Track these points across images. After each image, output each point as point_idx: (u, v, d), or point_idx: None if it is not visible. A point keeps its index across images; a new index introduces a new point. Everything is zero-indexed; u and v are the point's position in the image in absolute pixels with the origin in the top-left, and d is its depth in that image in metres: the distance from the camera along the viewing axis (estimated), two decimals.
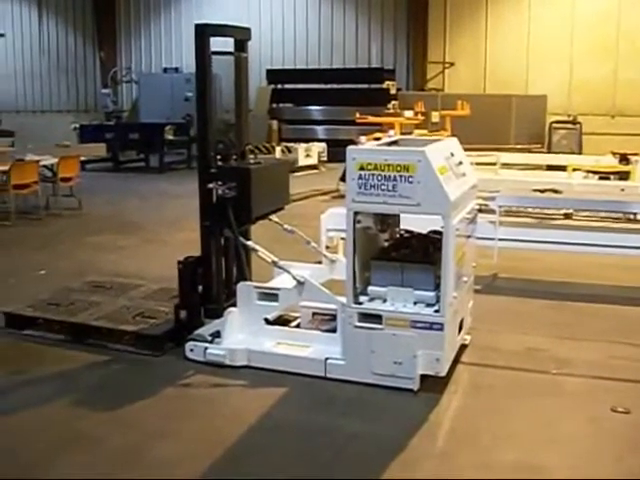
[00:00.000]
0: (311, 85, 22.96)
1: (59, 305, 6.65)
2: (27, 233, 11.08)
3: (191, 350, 5.72)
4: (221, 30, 6.30)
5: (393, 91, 21.56)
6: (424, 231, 5.62)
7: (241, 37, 6.35)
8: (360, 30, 23.73)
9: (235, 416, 4.85)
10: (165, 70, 25.46)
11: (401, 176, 4.92)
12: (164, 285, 7.18)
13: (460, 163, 5.44)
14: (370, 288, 5.33)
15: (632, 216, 10.53)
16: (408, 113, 16.59)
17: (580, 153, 18.63)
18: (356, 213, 5.16)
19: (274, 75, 23.37)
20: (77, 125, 20.89)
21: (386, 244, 5.78)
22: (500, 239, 7.83)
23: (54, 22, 27.87)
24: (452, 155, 5.39)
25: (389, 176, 4.94)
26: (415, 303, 5.17)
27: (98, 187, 15.43)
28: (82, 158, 14.64)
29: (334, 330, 5.62)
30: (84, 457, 4.28)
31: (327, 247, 7.90)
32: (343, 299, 5.38)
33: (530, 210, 10.88)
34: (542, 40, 21.79)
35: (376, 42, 23.85)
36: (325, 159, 19.20)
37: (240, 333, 5.77)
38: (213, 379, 5.41)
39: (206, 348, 5.65)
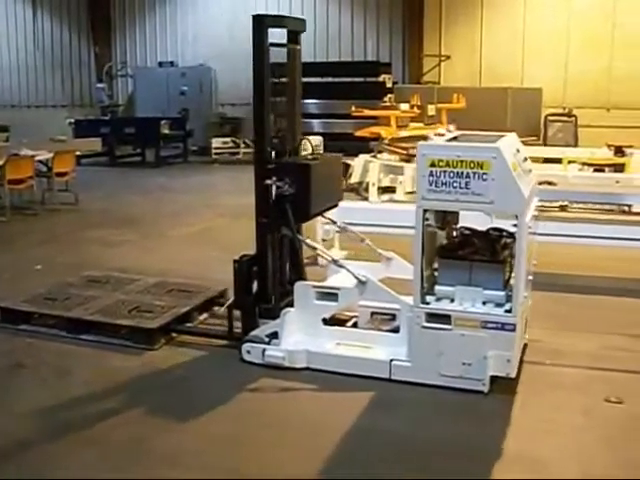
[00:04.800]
0: (307, 79, 22.91)
1: (55, 300, 6.66)
2: (23, 228, 11.08)
3: (248, 352, 5.57)
4: (278, 21, 6.05)
5: (389, 84, 21.52)
6: (483, 229, 5.48)
7: (296, 28, 6.12)
8: (356, 24, 23.67)
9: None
10: (160, 64, 25.39)
11: (474, 173, 4.77)
12: (161, 279, 7.20)
13: (525, 159, 5.29)
14: (437, 288, 5.20)
15: (627, 208, 10.56)
16: (404, 106, 16.56)
17: (575, 145, 18.64)
18: (425, 211, 5.02)
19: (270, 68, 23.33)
20: (72, 120, 20.86)
21: (445, 242, 5.56)
22: None
23: (48, 17, 27.75)
24: (518, 151, 5.26)
25: (462, 173, 4.80)
26: (484, 303, 5.06)
27: (94, 182, 15.43)
28: (78, 153, 14.62)
29: (396, 330, 5.53)
30: None
31: (323, 240, 7.91)
32: (406, 298, 5.29)
33: None
34: (537, 33, 21.77)
35: (372, 35, 23.81)
36: (321, 152, 19.19)
37: (298, 334, 5.60)
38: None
39: (264, 350, 5.51)
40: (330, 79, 22.68)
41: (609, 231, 7.70)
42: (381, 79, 21.66)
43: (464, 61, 22.84)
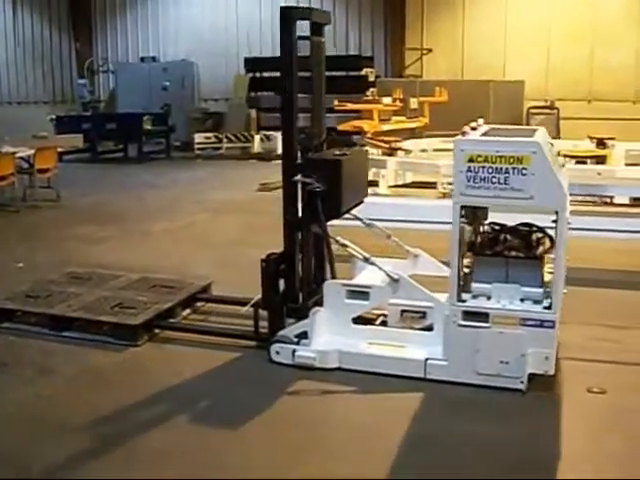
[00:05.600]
0: None
1: (37, 297, 6.62)
2: (4, 225, 11.03)
3: (277, 353, 5.45)
4: (306, 13, 5.89)
5: (371, 78, 21.53)
6: (512, 224, 5.42)
7: (320, 21, 5.97)
8: (338, 18, 23.61)
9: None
10: (142, 59, 25.29)
11: (514, 168, 4.70)
12: (144, 275, 7.18)
13: (558, 154, 5.21)
14: (474, 285, 5.14)
15: (609, 200, 10.60)
16: (386, 100, 16.59)
17: (558, 138, 18.71)
18: (462, 207, 4.94)
19: (252, 63, 23.24)
20: (53, 116, 20.72)
21: (472, 238, 5.43)
22: None
23: (29, 13, 27.53)
24: (552, 145, 5.17)
25: (501, 168, 4.72)
26: (521, 300, 5.01)
27: (76, 178, 15.34)
28: (59, 149, 14.54)
29: (428, 328, 5.46)
30: None
31: None
32: (439, 296, 5.26)
33: None
34: (519, 26, 21.82)
35: (354, 29, 23.79)
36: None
37: (328, 334, 5.49)
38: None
39: (294, 350, 5.40)
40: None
41: (590, 222, 7.72)
42: (363, 73, 21.67)
43: (446, 54, 22.88)
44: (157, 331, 6.13)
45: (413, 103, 17.19)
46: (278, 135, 18.93)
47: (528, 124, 20.53)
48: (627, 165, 13.05)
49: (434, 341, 5.23)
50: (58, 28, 27.39)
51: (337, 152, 5.73)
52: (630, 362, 5.48)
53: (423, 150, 15.45)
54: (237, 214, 11.43)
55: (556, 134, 19.66)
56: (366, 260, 5.63)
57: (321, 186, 5.37)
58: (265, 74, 23.15)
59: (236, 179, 15.87)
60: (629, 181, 11.08)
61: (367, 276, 5.71)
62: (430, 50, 23.14)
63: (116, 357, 5.71)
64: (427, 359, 5.13)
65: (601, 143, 13.18)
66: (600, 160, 12.26)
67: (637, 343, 5.87)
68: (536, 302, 4.98)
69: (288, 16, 5.56)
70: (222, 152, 20.13)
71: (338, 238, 5.69)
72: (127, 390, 5.12)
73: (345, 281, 5.65)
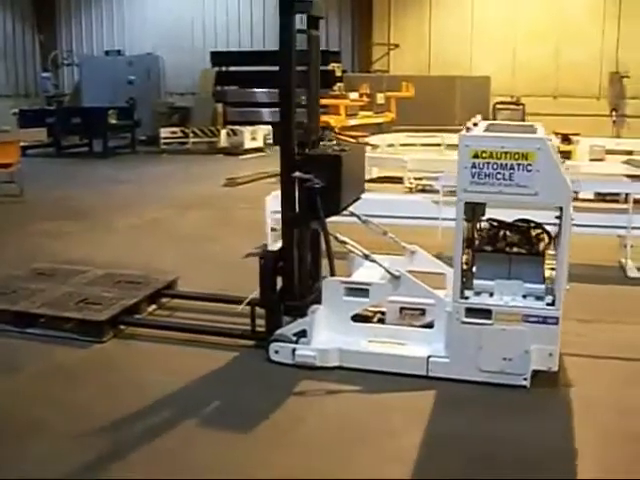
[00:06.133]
0: (256, 67, 22.77)
1: (1, 294, 6.52)
2: None
3: (276, 352, 5.33)
4: (306, 6, 5.66)
5: (338, 73, 21.50)
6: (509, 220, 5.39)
7: (317, 14, 5.82)
8: None
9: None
10: (107, 53, 25.08)
11: (519, 164, 4.67)
12: (109, 271, 7.11)
13: (558, 150, 5.21)
14: (476, 282, 5.10)
15: (574, 195, 10.70)
16: (353, 95, 16.64)
17: None
18: (467, 204, 4.90)
19: (218, 57, 23.13)
20: (16, 110, 20.46)
21: (473, 234, 5.37)
22: (444, 219, 7.90)
23: None
24: (552, 142, 5.13)
25: (505, 164, 4.69)
26: (524, 296, 4.98)
27: (40, 173, 15.15)
28: (22, 143, 14.35)
29: (428, 326, 5.42)
30: None
31: (272, 229, 7.87)
32: (439, 293, 5.22)
33: None
34: (485, 23, 21.98)
35: (321, 24, 23.73)
36: (271, 142, 19.16)
37: (327, 332, 5.38)
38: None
39: (294, 349, 5.28)
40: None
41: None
42: (330, 68, 21.62)
43: (413, 50, 22.97)
44: (122, 327, 6.07)
45: (380, 98, 17.23)
46: (244, 130, 18.96)
47: (494, 119, 20.68)
48: (591, 160, 13.22)
49: (435, 338, 5.20)
50: (22, 21, 27.03)
51: (336, 148, 5.65)
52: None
53: (390, 145, 15.51)
54: (203, 209, 11.37)
55: None
56: (366, 257, 5.54)
57: (320, 182, 5.27)
58: (232, 68, 23.07)
59: (202, 174, 15.78)
60: (593, 176, 11.24)
61: (365, 273, 5.65)
62: (397, 45, 23.21)
63: (81, 353, 5.64)
64: (429, 356, 5.08)
65: (566, 139, 13.33)
66: (565, 156, 12.38)
67: (605, 337, 5.93)
68: (538, 298, 4.97)
69: (289, 8, 5.43)
70: (188, 147, 20.02)
71: (338, 235, 5.63)
72: (95, 386, 5.07)
73: (344, 278, 5.57)
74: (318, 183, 5.27)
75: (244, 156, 18.44)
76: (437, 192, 8.21)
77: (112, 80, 22.55)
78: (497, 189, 4.75)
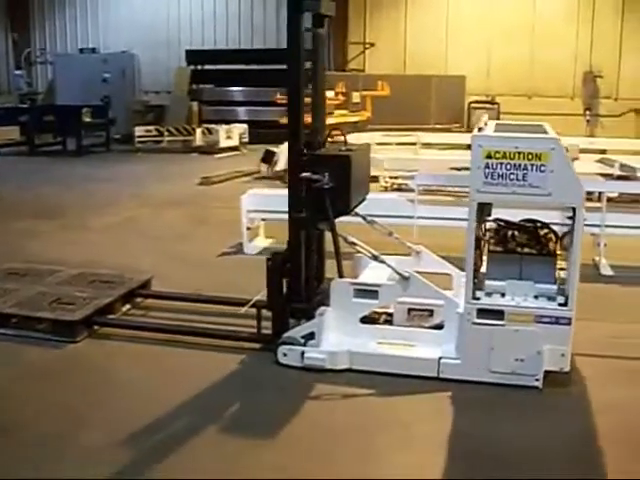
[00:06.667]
0: (231, 66, 22.72)
1: None
2: None
3: (284, 355, 5.24)
4: (315, 5, 5.57)
5: None
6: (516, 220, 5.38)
7: (326, 12, 5.72)
8: (280, 11, 23.57)
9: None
10: (81, 51, 24.86)
11: (532, 165, 4.65)
12: (83, 270, 7.05)
13: (567, 149, 5.13)
14: (487, 282, 5.07)
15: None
16: (329, 94, 16.58)
17: None
18: (480, 204, 4.87)
19: (194, 56, 23.05)
20: None
21: (482, 235, 5.31)
22: (419, 217, 7.92)
23: None
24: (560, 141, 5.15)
25: (519, 165, 4.67)
26: (535, 297, 4.97)
27: (13, 172, 15.03)
28: None
29: (438, 327, 5.38)
30: None
31: (248, 228, 7.85)
32: (449, 294, 5.20)
33: (450, 189, 11.02)
34: (461, 23, 22.08)
35: None
36: (246, 140, 19.13)
37: (335, 334, 5.31)
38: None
39: (303, 352, 5.20)
40: (255, 66, 22.54)
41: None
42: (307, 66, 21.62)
43: (389, 49, 23.02)
44: (96, 327, 6.01)
45: (355, 97, 17.26)
46: (220, 128, 18.89)
47: (469, 119, 20.82)
48: None
49: (445, 339, 5.17)
50: None
51: (342, 148, 5.57)
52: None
53: None
54: (179, 208, 11.30)
55: None
56: (375, 258, 5.47)
57: (329, 182, 5.21)
58: (207, 66, 22.99)
59: (177, 173, 15.70)
60: None
61: (372, 274, 5.62)
62: (373, 44, 23.24)
63: (55, 354, 5.59)
64: (440, 358, 5.05)
65: None
66: None
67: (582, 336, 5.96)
68: (550, 299, 4.96)
69: (298, 6, 5.35)
70: (163, 145, 19.90)
71: (347, 236, 5.53)
72: (69, 386, 5.03)
73: (353, 280, 5.52)
74: (327, 183, 5.21)
75: (219, 155, 18.38)
76: (412, 191, 8.22)
77: (86, 78, 22.34)
78: (510, 189, 4.73)
